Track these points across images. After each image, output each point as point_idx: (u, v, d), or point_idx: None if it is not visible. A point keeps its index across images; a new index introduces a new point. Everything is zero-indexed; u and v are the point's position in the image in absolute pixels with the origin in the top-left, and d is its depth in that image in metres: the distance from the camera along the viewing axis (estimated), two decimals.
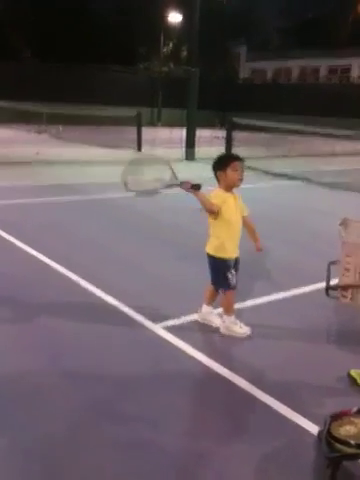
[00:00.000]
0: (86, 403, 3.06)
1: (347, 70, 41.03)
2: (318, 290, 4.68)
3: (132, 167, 3.88)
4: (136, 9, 38.84)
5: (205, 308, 4.14)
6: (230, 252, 3.89)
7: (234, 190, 3.91)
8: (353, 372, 3.40)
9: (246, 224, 4.03)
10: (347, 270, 2.98)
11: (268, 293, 4.86)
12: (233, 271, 3.89)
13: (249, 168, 13.43)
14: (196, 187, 3.61)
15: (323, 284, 4.50)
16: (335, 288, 3.04)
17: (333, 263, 3.11)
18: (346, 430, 2.45)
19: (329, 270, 3.13)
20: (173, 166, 3.72)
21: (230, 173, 3.78)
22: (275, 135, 22.46)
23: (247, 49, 47.09)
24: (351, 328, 4.17)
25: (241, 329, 3.97)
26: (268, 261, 5.75)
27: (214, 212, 3.75)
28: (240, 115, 16.79)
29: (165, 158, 3.83)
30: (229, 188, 3.84)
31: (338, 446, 2.39)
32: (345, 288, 2.97)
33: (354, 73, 40.50)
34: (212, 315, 4.14)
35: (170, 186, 3.72)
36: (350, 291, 2.99)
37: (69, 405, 3.03)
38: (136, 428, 2.84)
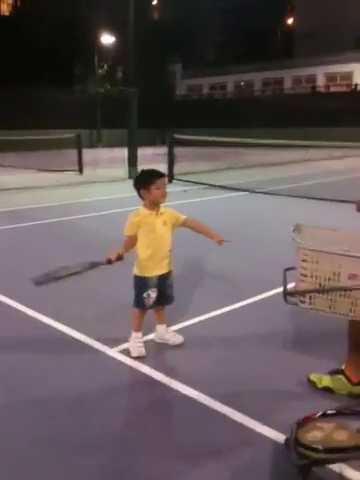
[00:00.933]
0: (47, 432, 2.93)
1: (280, 82, 42.35)
2: (274, 296, 4.70)
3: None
4: (69, 31, 38.80)
5: (159, 327, 4.07)
6: (146, 270, 3.81)
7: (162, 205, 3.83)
8: (312, 376, 3.40)
9: (192, 226, 3.95)
10: (304, 276, 2.97)
11: (224, 304, 4.83)
12: (150, 292, 3.79)
13: (191, 182, 13.65)
14: (119, 257, 3.75)
15: (278, 290, 4.51)
16: (293, 294, 3.03)
17: (289, 269, 3.10)
18: (313, 436, 2.43)
19: (285, 277, 3.12)
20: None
21: (154, 191, 3.71)
22: (215, 149, 22.80)
23: (182, 67, 47.93)
24: (309, 332, 4.20)
25: (133, 351, 3.84)
26: (220, 273, 5.75)
27: (134, 243, 3.80)
28: (179, 131, 16.93)
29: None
30: (153, 205, 3.78)
31: (306, 452, 2.37)
32: (303, 293, 2.96)
33: (287, 84, 41.84)
34: (167, 333, 4.07)
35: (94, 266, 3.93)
36: (308, 296, 2.98)
37: (31, 435, 2.90)
38: (100, 454, 2.73)
